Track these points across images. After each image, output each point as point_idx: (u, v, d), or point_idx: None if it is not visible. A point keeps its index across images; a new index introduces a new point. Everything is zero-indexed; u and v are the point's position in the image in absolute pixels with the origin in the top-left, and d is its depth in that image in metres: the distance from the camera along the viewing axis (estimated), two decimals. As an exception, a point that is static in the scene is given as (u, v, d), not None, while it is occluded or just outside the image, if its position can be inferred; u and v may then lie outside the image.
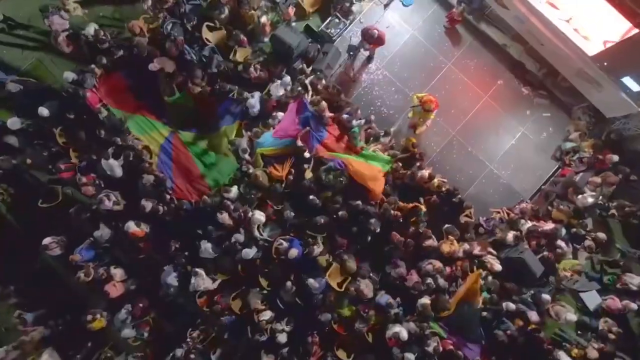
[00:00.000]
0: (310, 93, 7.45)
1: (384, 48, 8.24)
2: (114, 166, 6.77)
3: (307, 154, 7.11)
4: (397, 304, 6.77)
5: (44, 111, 6.67)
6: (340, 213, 6.87)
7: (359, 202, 6.95)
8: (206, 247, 6.65)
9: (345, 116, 7.41)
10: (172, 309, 7.22)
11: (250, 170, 7.06)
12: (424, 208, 7.09)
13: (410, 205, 7.15)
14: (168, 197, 7.04)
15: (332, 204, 6.97)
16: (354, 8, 8.26)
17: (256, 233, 6.82)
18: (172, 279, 6.69)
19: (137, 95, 7.34)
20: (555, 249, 7.33)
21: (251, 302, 6.79)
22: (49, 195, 7.01)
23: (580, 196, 7.51)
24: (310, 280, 6.50)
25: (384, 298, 6.82)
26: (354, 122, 7.34)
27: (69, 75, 6.90)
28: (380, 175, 7.30)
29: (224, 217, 6.73)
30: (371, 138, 7.68)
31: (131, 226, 6.73)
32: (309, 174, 7.06)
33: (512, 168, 8.25)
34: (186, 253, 6.88)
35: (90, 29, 7.11)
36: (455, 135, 8.22)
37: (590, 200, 7.40)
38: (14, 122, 6.86)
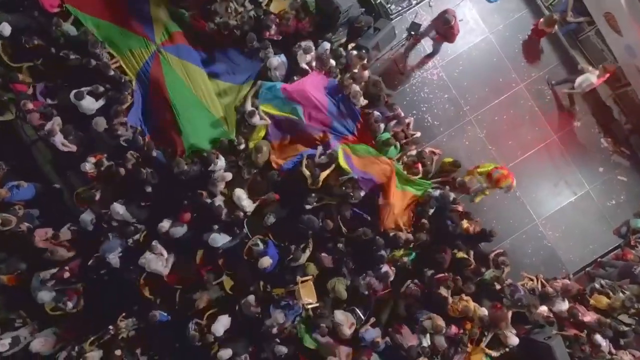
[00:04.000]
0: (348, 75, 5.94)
1: (449, 44, 6.65)
2: (86, 108, 5.39)
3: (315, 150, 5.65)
4: (385, 344, 5.41)
5: (5, 28, 5.24)
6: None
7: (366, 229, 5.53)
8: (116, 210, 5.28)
9: (375, 113, 5.94)
10: (108, 284, 5.83)
11: (243, 146, 5.61)
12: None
13: None
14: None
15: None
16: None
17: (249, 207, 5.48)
18: (114, 255, 5.30)
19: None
20: (592, 346, 5.80)
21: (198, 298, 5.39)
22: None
23: None
24: (278, 314, 5.06)
25: (370, 333, 5.43)
26: (382, 126, 5.95)
27: None
28: (410, 202, 5.82)
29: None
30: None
31: (87, 167, 5.42)
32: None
33: (562, 230, 6.74)
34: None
35: None
36: (505, 172, 6.65)
37: None
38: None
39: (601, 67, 6.25)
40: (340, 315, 5.44)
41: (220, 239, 5.43)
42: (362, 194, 5.57)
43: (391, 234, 5.60)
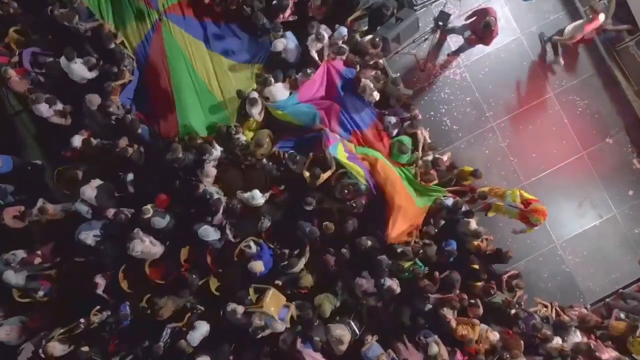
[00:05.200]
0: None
1: (475, 43, 6.10)
2: (77, 74, 4.91)
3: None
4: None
5: None
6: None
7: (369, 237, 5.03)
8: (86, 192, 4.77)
9: (386, 119, 5.50)
10: (84, 273, 5.33)
11: (241, 137, 5.09)
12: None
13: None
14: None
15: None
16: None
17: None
18: (86, 234, 4.79)
19: None
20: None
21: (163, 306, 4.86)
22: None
23: None
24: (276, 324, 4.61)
25: (374, 350, 4.95)
26: (395, 132, 5.52)
27: None
28: (420, 213, 5.27)
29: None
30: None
31: (77, 141, 4.99)
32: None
33: (583, 256, 6.17)
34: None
35: None
36: (526, 187, 6.07)
37: None
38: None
39: (589, 9, 5.52)
40: (338, 330, 4.94)
41: (212, 232, 4.95)
42: (364, 201, 5.09)
43: (399, 250, 5.08)
